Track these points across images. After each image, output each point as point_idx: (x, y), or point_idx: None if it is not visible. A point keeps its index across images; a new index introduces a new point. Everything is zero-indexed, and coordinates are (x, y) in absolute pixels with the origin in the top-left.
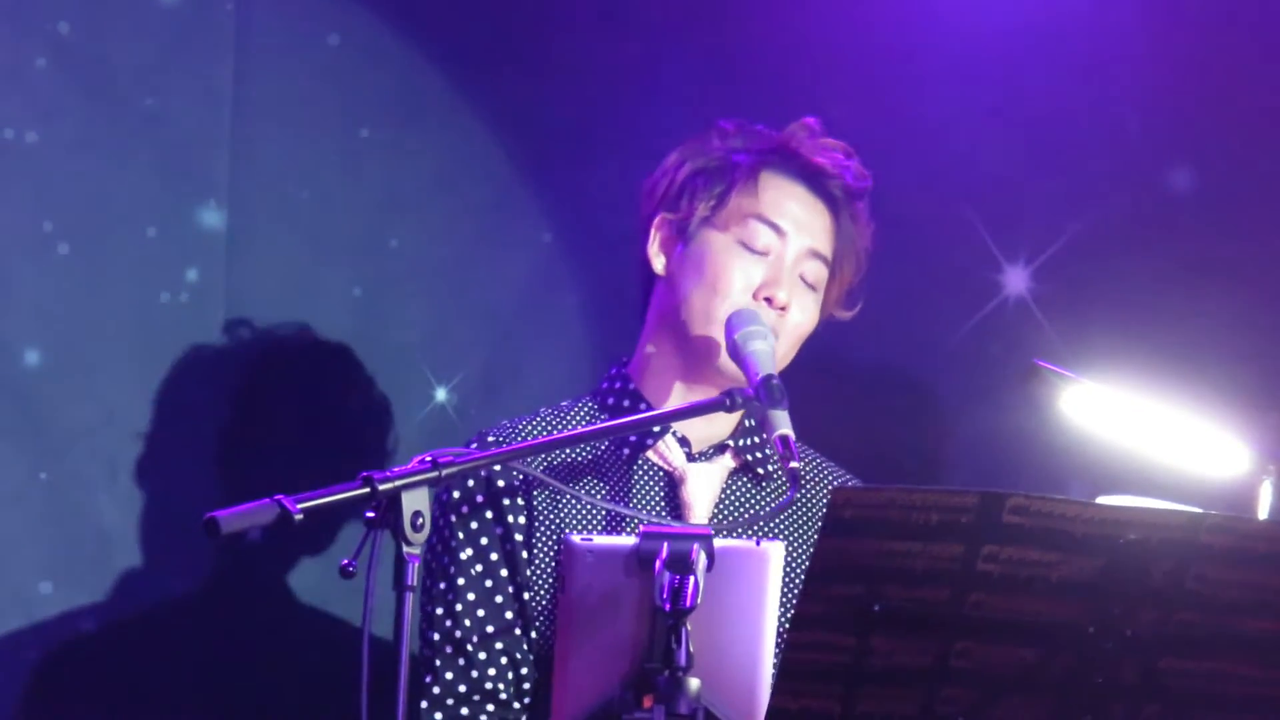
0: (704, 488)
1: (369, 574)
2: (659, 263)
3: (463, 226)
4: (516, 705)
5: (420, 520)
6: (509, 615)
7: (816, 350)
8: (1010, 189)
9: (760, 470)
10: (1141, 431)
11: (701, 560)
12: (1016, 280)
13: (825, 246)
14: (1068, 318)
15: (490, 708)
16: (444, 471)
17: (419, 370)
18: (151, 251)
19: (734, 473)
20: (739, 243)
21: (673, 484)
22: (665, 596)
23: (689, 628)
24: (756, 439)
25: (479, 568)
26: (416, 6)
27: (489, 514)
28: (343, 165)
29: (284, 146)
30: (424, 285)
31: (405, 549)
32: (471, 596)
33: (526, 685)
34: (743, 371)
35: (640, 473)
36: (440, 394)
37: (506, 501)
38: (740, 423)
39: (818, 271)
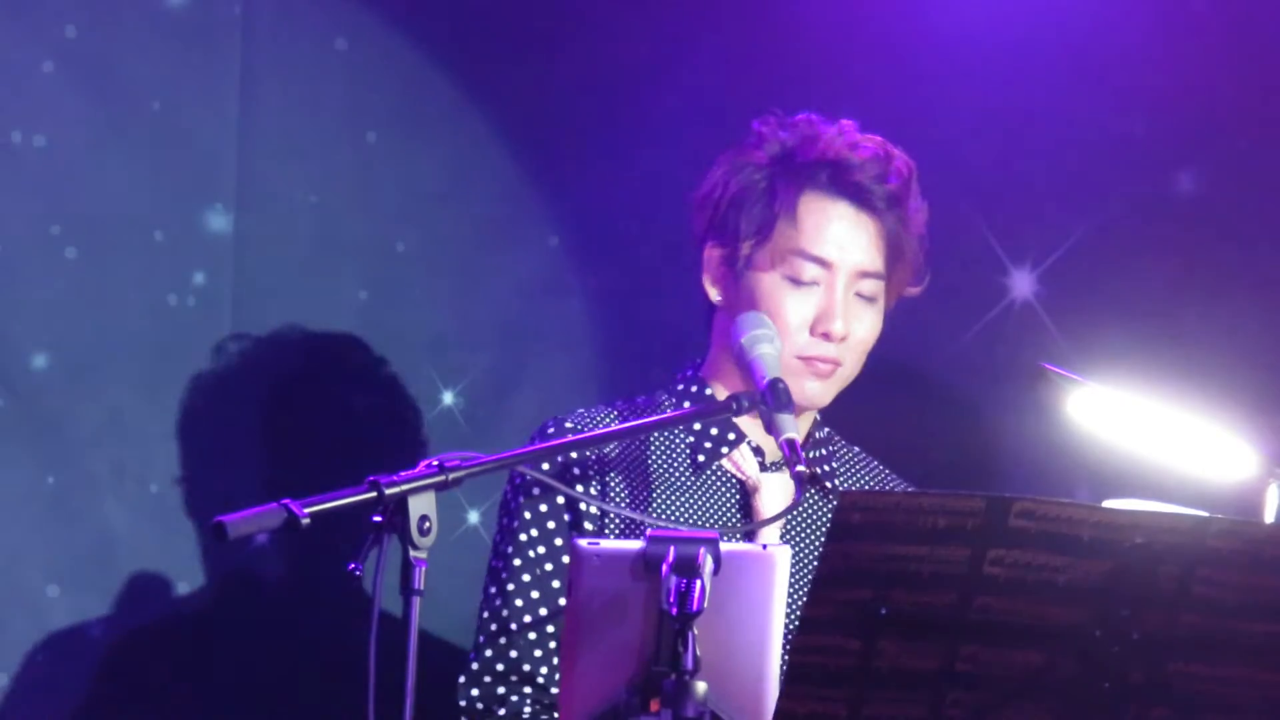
0: (776, 497)
1: (376, 578)
2: (714, 293)
3: (469, 230)
4: (554, 690)
5: (427, 524)
6: (562, 601)
7: None
8: (1016, 193)
9: (829, 484)
10: (1148, 435)
11: (708, 564)
12: (1023, 284)
13: (876, 260)
14: (1074, 321)
15: (527, 690)
16: (450, 476)
17: (426, 374)
18: (159, 255)
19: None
20: (787, 279)
21: (746, 493)
22: (672, 600)
23: (696, 631)
24: (824, 451)
25: (541, 549)
26: (424, 11)
27: (560, 498)
28: (350, 169)
29: (291, 150)
30: (431, 289)
31: (412, 553)
32: (526, 578)
33: None
34: (749, 375)
35: (715, 480)
36: (447, 398)
37: (580, 488)
38: (811, 434)
39: (873, 287)
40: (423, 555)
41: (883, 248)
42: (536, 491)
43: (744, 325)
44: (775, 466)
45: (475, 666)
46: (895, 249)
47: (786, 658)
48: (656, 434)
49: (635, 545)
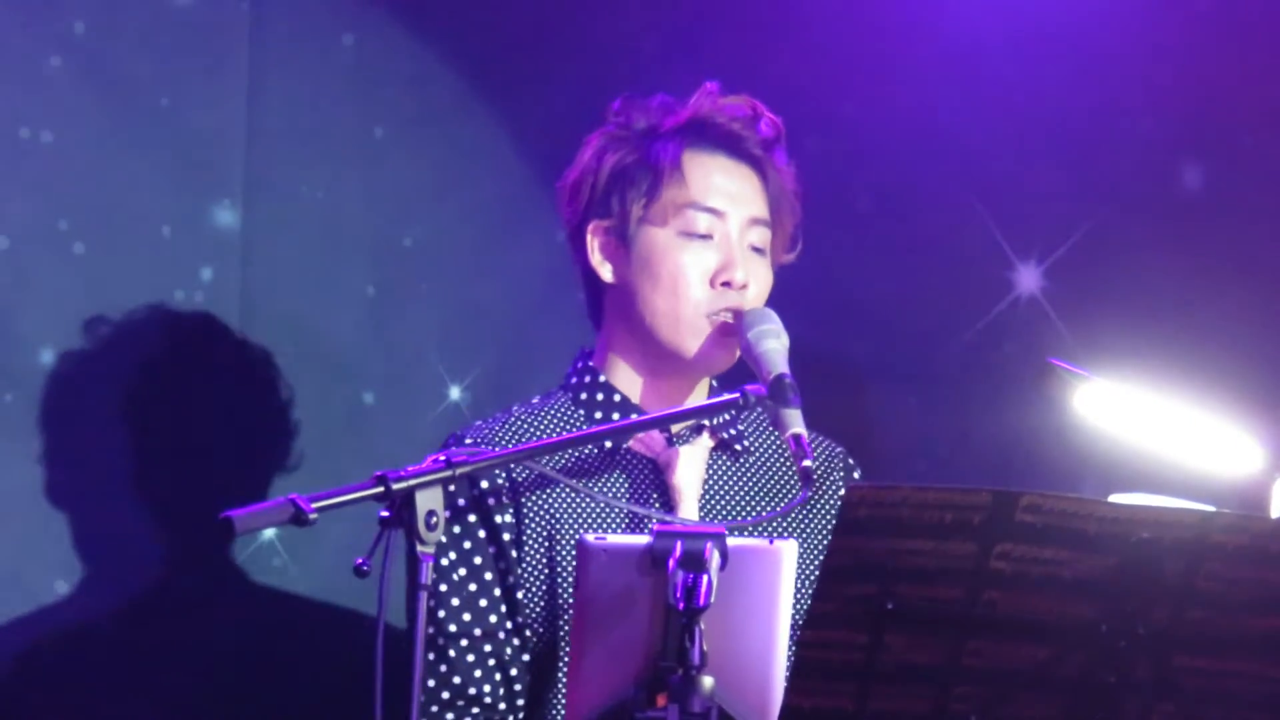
0: (690, 470)
1: (383, 573)
2: (606, 271)
3: (476, 225)
4: (503, 706)
5: (434, 519)
6: (494, 619)
7: (828, 349)
8: (1022, 187)
9: (738, 446)
10: (1154, 430)
11: (715, 559)
12: (1029, 279)
13: (762, 209)
14: (1080, 316)
15: (475, 710)
16: (458, 470)
17: (433, 369)
18: (166, 250)
19: (713, 451)
20: (682, 234)
21: (658, 470)
22: (679, 595)
23: (702, 626)
24: (727, 416)
25: (462, 571)
26: (431, 6)
27: (473, 516)
28: (357, 164)
29: (298, 145)
30: (438, 284)
31: (419, 548)
32: (455, 602)
33: (517, 687)
34: (755, 370)
35: (626, 463)
36: (454, 392)
37: (492, 501)
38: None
39: (763, 235)
40: (430, 550)
41: (766, 196)
42: (448, 513)
43: (751, 320)
44: (681, 439)
45: (421, 699)
46: (776, 198)
47: (793, 652)
48: (557, 423)
49: (642, 540)
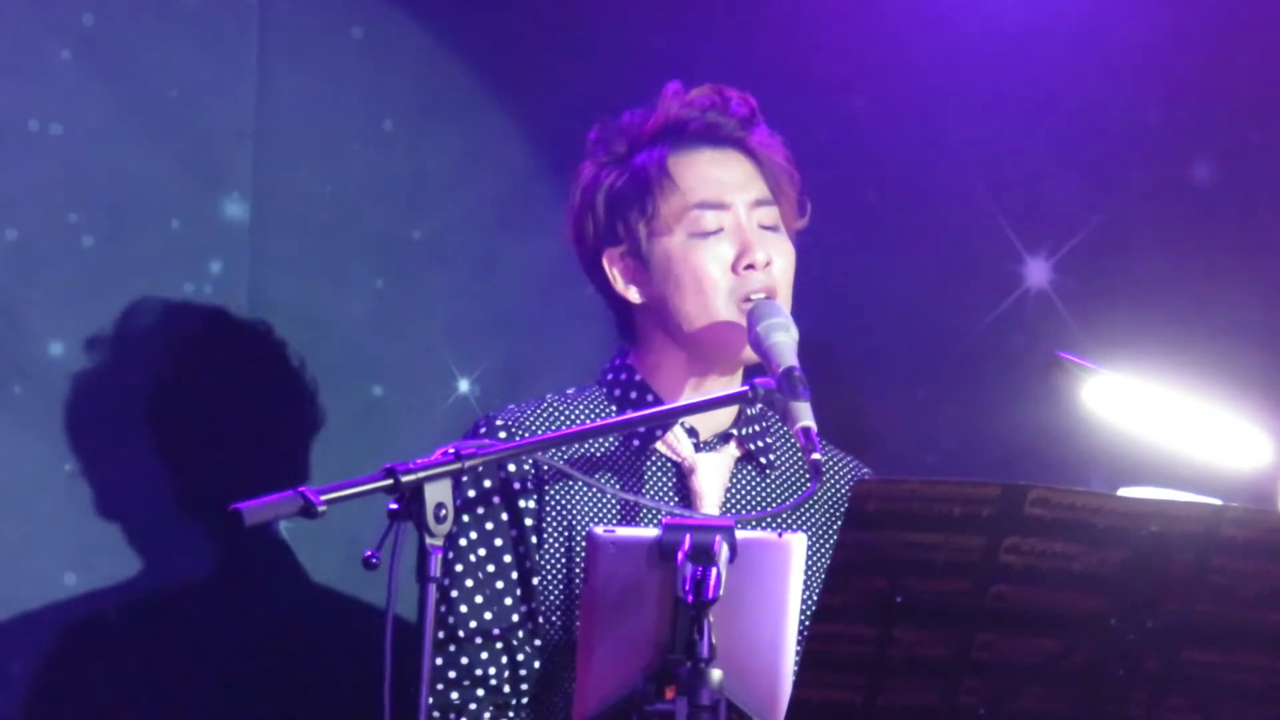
0: (713, 477)
1: (392, 566)
2: (633, 293)
3: (485, 218)
4: (507, 689)
5: (443, 512)
6: (509, 603)
7: (837, 342)
8: (1032, 181)
9: (763, 459)
10: (1163, 423)
11: (724, 552)
12: (1038, 272)
13: (762, 188)
14: (1089, 310)
15: (480, 692)
16: (467, 463)
17: (442, 362)
18: (175, 243)
19: (739, 461)
20: (692, 236)
21: (682, 475)
22: (688, 588)
23: (711, 619)
24: (757, 427)
25: (481, 552)
26: None
27: (496, 500)
28: (366, 157)
29: (307, 139)
30: (447, 277)
31: (428, 540)
32: (469, 584)
33: (523, 673)
34: (765, 364)
35: (650, 464)
36: (463, 385)
37: (517, 486)
38: (741, 412)
39: (770, 214)
40: (439, 542)
41: (761, 174)
42: (472, 497)
43: (760, 314)
44: (709, 446)
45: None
46: (771, 173)
47: (802, 645)
48: (588, 415)
49: (651, 533)
